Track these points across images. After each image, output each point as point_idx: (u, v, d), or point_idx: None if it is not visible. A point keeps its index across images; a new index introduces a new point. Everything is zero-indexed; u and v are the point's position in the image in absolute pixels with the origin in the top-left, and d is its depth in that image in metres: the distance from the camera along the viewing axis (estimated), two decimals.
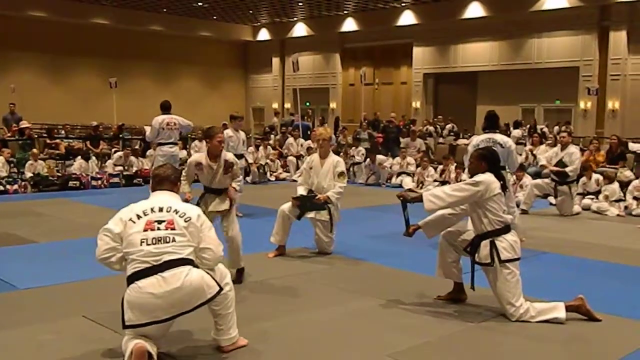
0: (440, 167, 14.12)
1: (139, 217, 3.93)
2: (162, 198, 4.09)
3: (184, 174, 6.03)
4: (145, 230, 3.87)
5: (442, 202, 4.92)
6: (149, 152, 15.01)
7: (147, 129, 11.25)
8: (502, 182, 5.03)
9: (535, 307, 4.84)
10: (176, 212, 3.98)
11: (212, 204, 6.00)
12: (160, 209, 3.98)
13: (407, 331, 4.64)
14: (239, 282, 5.76)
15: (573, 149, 10.70)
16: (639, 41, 21.06)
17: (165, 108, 10.75)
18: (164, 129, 10.56)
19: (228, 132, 10.33)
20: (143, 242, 3.83)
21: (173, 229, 3.90)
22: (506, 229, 4.93)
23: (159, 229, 3.88)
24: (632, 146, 14.91)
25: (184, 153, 16.07)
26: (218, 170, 5.96)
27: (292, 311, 5.09)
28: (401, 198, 5.14)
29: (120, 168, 14.59)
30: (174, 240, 3.86)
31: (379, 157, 15.62)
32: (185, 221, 3.95)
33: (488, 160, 5.09)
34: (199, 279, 3.81)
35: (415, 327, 4.73)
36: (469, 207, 5.04)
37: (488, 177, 4.93)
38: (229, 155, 6.14)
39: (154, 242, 3.83)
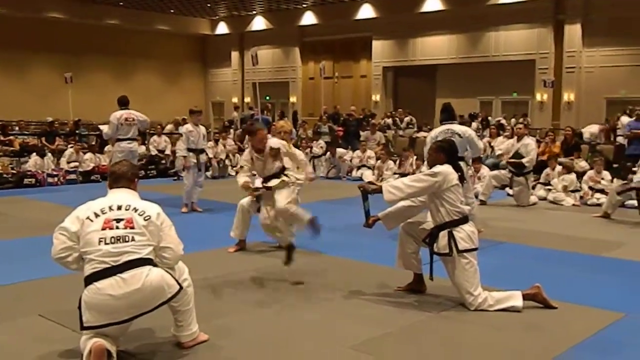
0: (400, 159, 14.22)
1: (96, 215, 3.85)
2: (121, 196, 4.02)
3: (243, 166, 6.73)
4: (103, 229, 3.80)
5: (401, 192, 4.96)
6: (107, 148, 14.77)
7: (104, 127, 10.97)
8: (460, 174, 5.10)
9: (493, 296, 4.92)
10: (135, 210, 3.91)
11: (270, 183, 6.43)
12: (119, 207, 3.91)
13: (368, 322, 4.67)
14: (287, 263, 5.82)
15: (528, 141, 10.90)
16: (593, 34, 21.46)
17: (123, 103, 10.58)
18: (123, 124, 10.39)
19: (188, 126, 10.25)
20: (101, 241, 3.76)
21: (132, 227, 3.83)
22: (464, 219, 4.99)
23: (117, 227, 3.81)
24: (586, 130, 15.34)
25: (142, 149, 15.91)
26: (267, 159, 6.45)
27: (253, 306, 5.07)
28: (361, 189, 5.18)
29: (77, 164, 14.35)
30: (133, 239, 3.80)
31: (339, 150, 15.66)
32: (145, 220, 3.89)
33: (446, 151, 5.16)
34: (159, 278, 3.77)
35: (376, 318, 4.76)
36: (427, 197, 5.10)
37: (446, 169, 5.00)
38: (273, 141, 6.59)
39: (112, 241, 3.77)
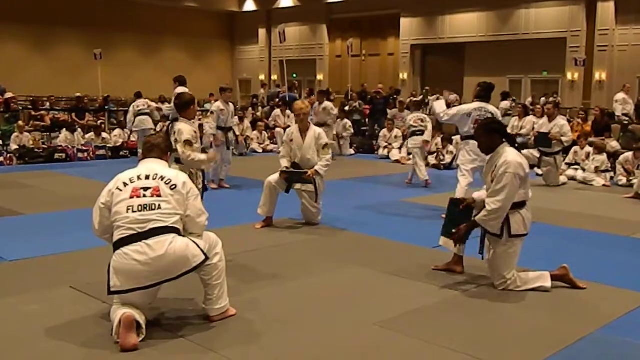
0: None
1: (125, 184, 3.95)
2: (150, 166, 4.10)
3: None
4: (131, 197, 3.89)
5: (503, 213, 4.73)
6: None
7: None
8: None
9: (522, 278, 4.86)
10: (162, 178, 3.98)
11: None
12: (147, 177, 3.99)
13: (395, 300, 4.67)
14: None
15: (562, 122, 10.77)
16: (626, 12, 20.99)
17: (183, 82, 10.43)
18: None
19: (219, 104, 10.13)
20: (129, 209, 3.84)
21: (159, 196, 3.90)
22: (522, 203, 4.84)
23: (144, 196, 3.89)
24: (618, 96, 15.14)
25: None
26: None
27: (281, 281, 5.10)
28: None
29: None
30: (159, 207, 3.87)
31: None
32: (171, 189, 3.95)
33: (499, 131, 4.98)
34: (183, 247, 3.82)
35: (403, 296, 4.76)
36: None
37: (520, 160, 4.77)
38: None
39: (139, 209, 3.84)
